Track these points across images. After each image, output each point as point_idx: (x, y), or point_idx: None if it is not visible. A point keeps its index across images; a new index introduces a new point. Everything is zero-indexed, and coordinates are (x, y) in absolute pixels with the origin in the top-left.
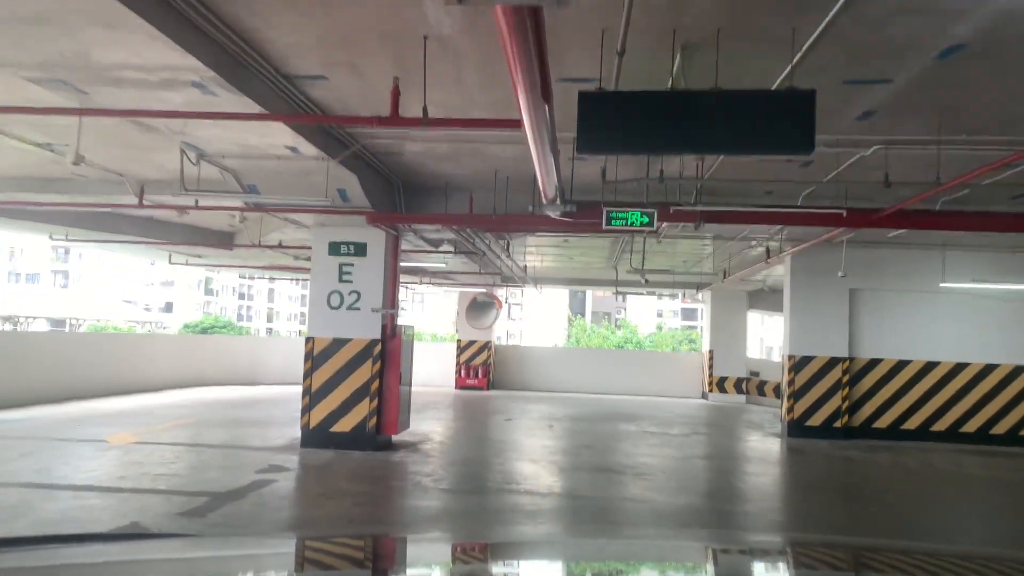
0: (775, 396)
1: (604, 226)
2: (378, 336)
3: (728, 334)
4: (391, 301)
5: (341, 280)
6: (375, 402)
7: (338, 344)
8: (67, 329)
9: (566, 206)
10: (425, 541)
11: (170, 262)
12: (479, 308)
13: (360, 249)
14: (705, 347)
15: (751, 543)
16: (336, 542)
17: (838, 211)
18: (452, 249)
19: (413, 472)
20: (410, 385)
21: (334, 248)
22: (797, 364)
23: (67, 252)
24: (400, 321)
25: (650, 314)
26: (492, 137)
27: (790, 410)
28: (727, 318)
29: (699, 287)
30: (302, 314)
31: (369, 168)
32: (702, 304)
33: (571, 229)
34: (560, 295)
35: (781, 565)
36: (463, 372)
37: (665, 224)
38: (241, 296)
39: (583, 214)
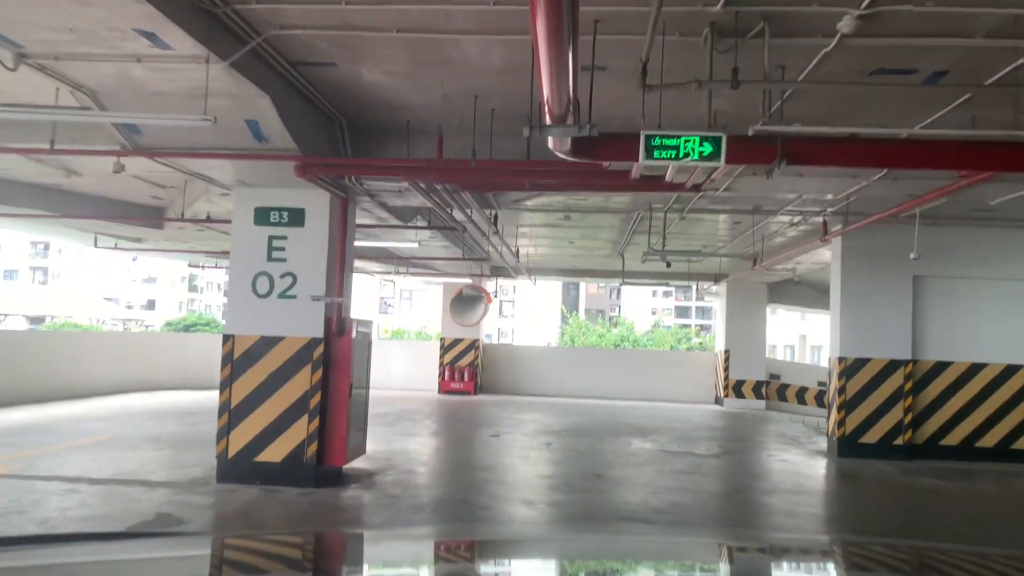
0: (797, 401)
1: (641, 160)
2: (320, 334)
3: (746, 332)
4: (338, 287)
5: (271, 258)
6: (316, 422)
7: (267, 344)
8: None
9: (582, 128)
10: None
11: (96, 245)
12: (465, 302)
13: (296, 217)
14: (719, 346)
15: None
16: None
17: None
18: (425, 223)
19: (357, 525)
20: (367, 395)
21: (261, 215)
22: (849, 368)
23: (46, 248)
24: (358, 315)
25: (644, 312)
26: (470, 15)
27: (840, 424)
28: (745, 314)
29: (717, 278)
30: None
31: (295, 94)
32: (714, 299)
33: (583, 185)
34: (553, 291)
35: None
36: (447, 374)
37: (719, 172)
38: (226, 293)
39: (608, 146)
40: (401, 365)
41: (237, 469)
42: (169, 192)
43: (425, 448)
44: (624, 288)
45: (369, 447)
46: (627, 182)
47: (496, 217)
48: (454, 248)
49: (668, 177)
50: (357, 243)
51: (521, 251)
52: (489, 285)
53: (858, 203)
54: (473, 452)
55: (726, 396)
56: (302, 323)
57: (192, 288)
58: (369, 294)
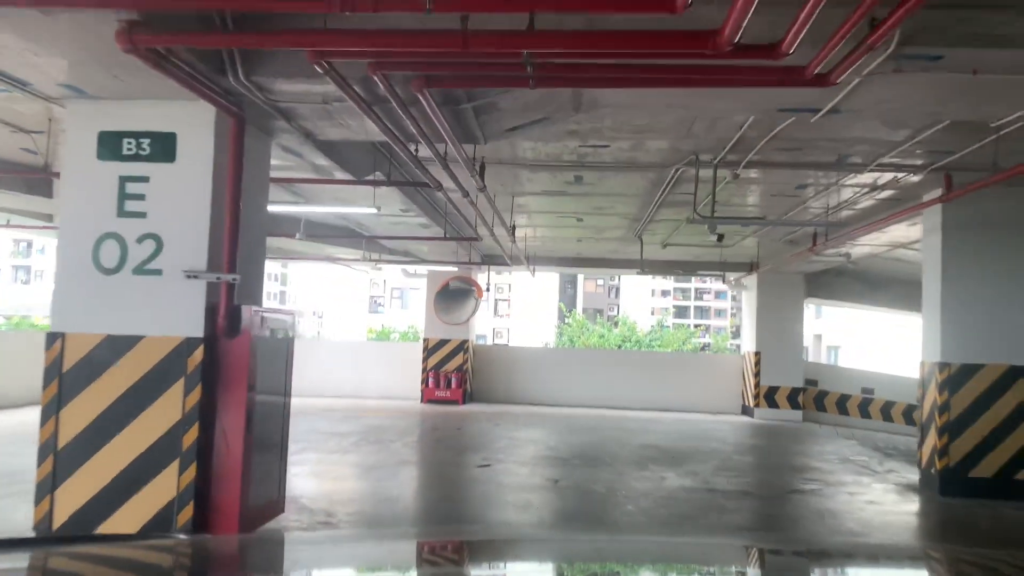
0: (838, 411)
1: None
2: (199, 331)
3: (780, 330)
4: (228, 257)
5: (123, 212)
6: (191, 470)
7: (115, 348)
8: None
9: None
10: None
11: None
12: (452, 297)
13: (163, 146)
14: (748, 347)
15: None
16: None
17: None
18: (384, 177)
19: None
20: (283, 421)
21: (109, 144)
22: (954, 378)
23: (29, 246)
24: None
25: (644, 311)
26: None
27: (942, 452)
28: (779, 309)
29: (752, 266)
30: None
31: None
32: (741, 292)
33: (692, 80)
34: (550, 288)
35: None
36: (431, 381)
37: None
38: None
39: None
40: (378, 371)
41: (67, 546)
42: (42, 140)
43: (381, 492)
44: (623, 287)
45: (308, 488)
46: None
47: (482, 167)
48: (435, 227)
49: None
50: (286, 208)
51: (518, 234)
52: (480, 278)
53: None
54: (453, 496)
55: (756, 405)
56: (170, 315)
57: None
58: (357, 292)
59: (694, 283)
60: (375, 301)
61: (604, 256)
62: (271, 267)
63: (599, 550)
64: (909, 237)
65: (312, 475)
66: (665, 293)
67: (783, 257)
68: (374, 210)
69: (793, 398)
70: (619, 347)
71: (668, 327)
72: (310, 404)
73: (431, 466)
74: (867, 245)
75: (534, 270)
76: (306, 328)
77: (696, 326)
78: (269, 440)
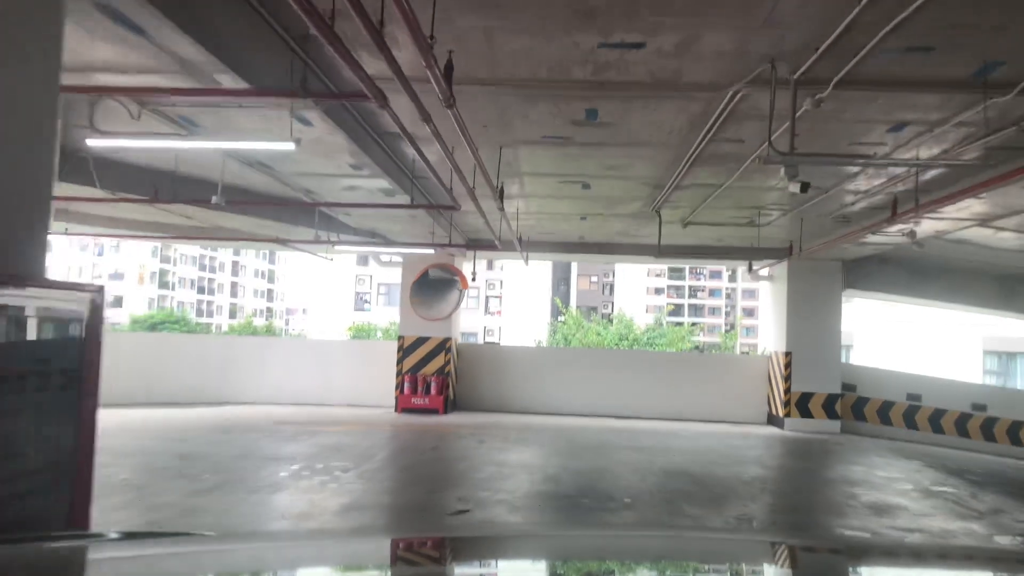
0: (880, 421)
1: None
2: None
3: (815, 327)
4: None
5: None
6: None
7: None
8: None
9: None
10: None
11: None
12: (431, 288)
13: None
14: (775, 347)
15: None
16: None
17: None
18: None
19: None
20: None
21: None
22: None
23: None
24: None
25: (639, 308)
26: None
27: None
28: (814, 302)
29: (791, 249)
30: (268, 310)
31: None
32: (765, 284)
33: None
34: (542, 283)
35: None
36: (407, 386)
37: None
38: (200, 290)
39: None
40: (346, 374)
41: None
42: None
43: None
44: (618, 284)
45: None
46: None
47: (449, 67)
48: (401, 194)
49: None
50: (156, 143)
51: (508, 208)
52: (465, 266)
53: None
54: None
55: (787, 415)
56: None
57: (163, 285)
58: (343, 290)
59: (688, 281)
60: (361, 298)
61: (611, 240)
62: (258, 264)
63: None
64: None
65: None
66: (659, 291)
67: (829, 240)
68: (290, 145)
69: (830, 406)
70: (617, 346)
71: (666, 325)
72: (261, 415)
73: (388, 513)
74: (946, 218)
75: (527, 256)
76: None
77: (692, 324)
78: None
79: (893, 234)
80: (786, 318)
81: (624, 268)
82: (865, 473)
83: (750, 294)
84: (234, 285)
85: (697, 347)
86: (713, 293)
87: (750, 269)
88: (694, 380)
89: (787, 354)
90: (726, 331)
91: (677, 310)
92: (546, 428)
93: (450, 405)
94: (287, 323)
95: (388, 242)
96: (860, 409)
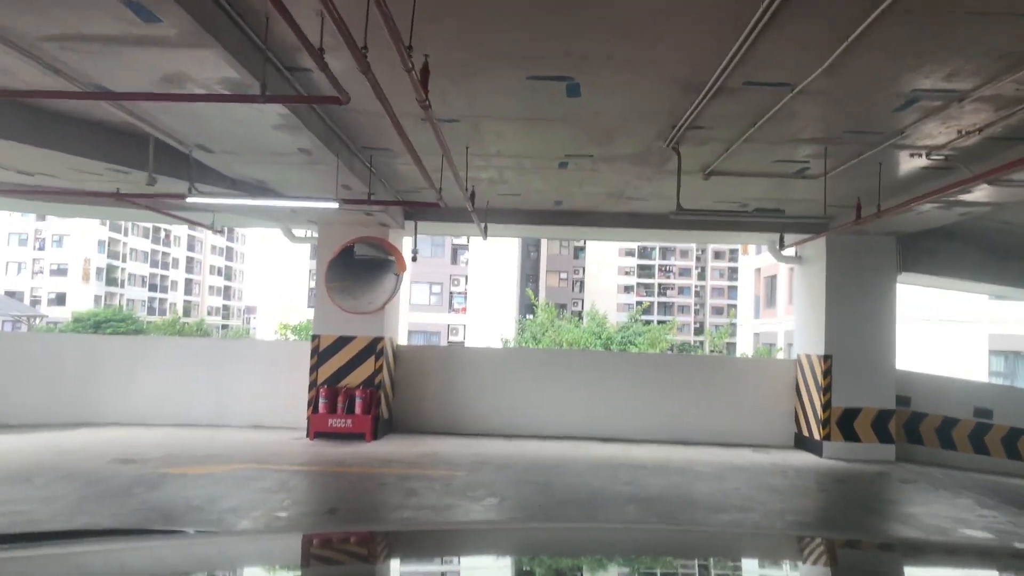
0: (940, 444)
1: None
2: None
3: (862, 323)
4: None
5: None
6: None
7: None
8: None
9: None
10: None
11: None
12: (357, 270)
13: None
14: (805, 348)
15: None
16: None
17: None
18: None
19: None
20: None
21: None
22: None
23: None
24: None
25: (610, 305)
26: None
27: None
28: (860, 290)
29: (862, 208)
30: (224, 307)
31: None
32: (794, 266)
33: None
34: (508, 278)
35: None
36: (322, 403)
37: None
38: (152, 287)
39: None
40: (250, 385)
41: None
42: None
43: None
44: (587, 280)
45: None
46: None
47: None
48: (304, 130)
49: None
50: None
51: (451, 135)
52: (404, 242)
53: None
54: None
55: (825, 437)
56: None
57: (111, 282)
58: (299, 286)
59: (657, 279)
60: (315, 293)
61: (596, 207)
62: (215, 260)
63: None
64: None
65: None
66: (629, 289)
67: (916, 196)
68: None
69: (881, 426)
70: (590, 346)
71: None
72: (113, 444)
73: None
74: None
75: (486, 228)
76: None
77: (660, 323)
78: None
79: (972, 204)
80: (824, 310)
81: (595, 263)
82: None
83: (719, 292)
84: (189, 282)
85: (682, 348)
86: (683, 291)
87: (781, 245)
88: (702, 391)
89: (825, 358)
90: (696, 330)
91: (648, 308)
92: (510, 462)
93: (383, 427)
94: (247, 322)
95: (275, 194)
96: (915, 428)
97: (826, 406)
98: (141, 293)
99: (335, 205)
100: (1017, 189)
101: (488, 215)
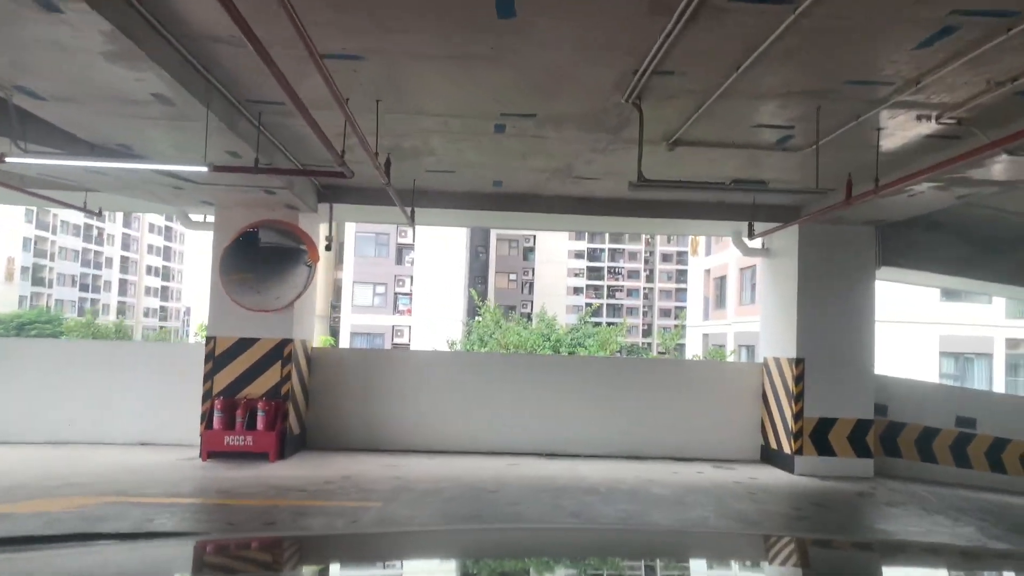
0: (920, 457)
1: None
2: None
3: (838, 323)
4: None
5: None
6: None
7: None
8: None
9: None
10: None
11: None
12: (260, 260)
13: None
14: (774, 351)
15: None
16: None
17: None
18: None
19: None
20: None
21: None
22: None
23: None
24: None
25: (559, 307)
26: None
27: None
28: (835, 286)
29: (852, 185)
30: (162, 308)
31: None
32: (762, 259)
33: None
34: (455, 279)
35: None
36: (218, 417)
37: None
38: (84, 288)
39: None
40: (136, 395)
41: None
42: None
43: None
44: (537, 280)
45: None
46: None
47: None
48: (151, 68)
49: None
50: None
51: (357, 90)
52: (317, 229)
53: None
54: None
55: (797, 451)
56: None
57: (37, 281)
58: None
59: (606, 281)
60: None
61: (542, 189)
62: (151, 260)
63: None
64: None
65: None
66: (578, 291)
67: (923, 168)
68: None
69: (859, 438)
70: (537, 349)
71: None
72: None
73: None
74: None
75: (413, 212)
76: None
77: (610, 324)
78: None
79: (980, 182)
80: (796, 309)
81: (544, 264)
82: None
83: (667, 294)
84: (124, 283)
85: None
86: (632, 294)
87: (751, 233)
88: (658, 398)
89: (797, 362)
90: (644, 332)
91: (596, 310)
92: (437, 487)
93: (291, 445)
94: (186, 323)
95: (140, 159)
96: (893, 440)
97: (798, 416)
98: (72, 293)
99: (204, 170)
100: None
101: (417, 198)
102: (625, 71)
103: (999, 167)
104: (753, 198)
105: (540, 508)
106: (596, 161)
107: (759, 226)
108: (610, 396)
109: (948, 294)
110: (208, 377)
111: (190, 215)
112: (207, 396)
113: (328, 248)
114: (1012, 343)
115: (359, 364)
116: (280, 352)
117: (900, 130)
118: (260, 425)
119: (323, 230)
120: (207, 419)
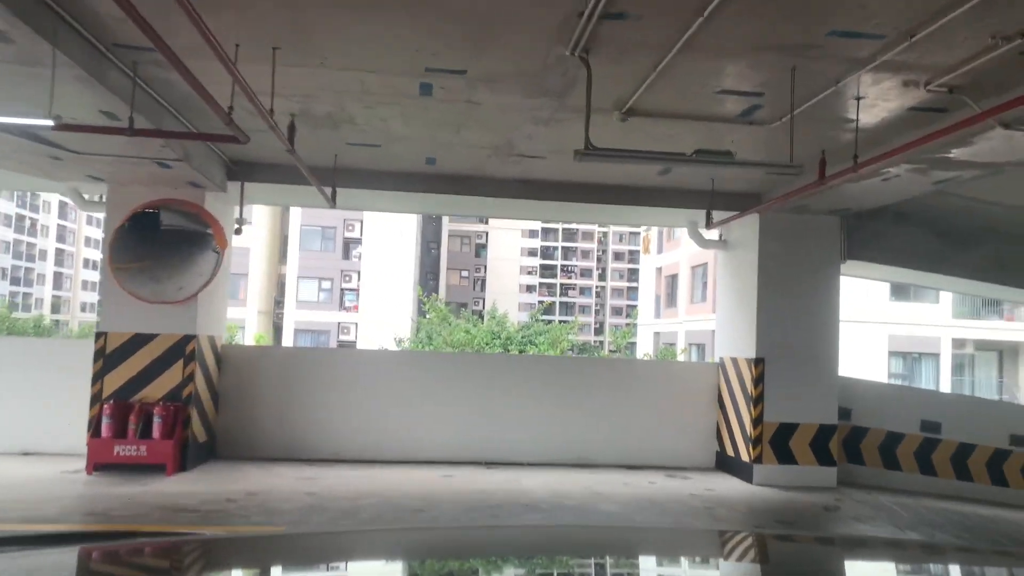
0: (883, 464)
1: None
2: None
3: (800, 320)
4: None
5: None
6: None
7: None
8: None
9: None
10: None
11: None
12: (160, 245)
13: None
14: (732, 351)
15: None
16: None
17: None
18: None
19: None
20: None
21: None
22: None
23: None
24: None
25: (511, 305)
26: None
27: None
28: (797, 279)
29: (824, 165)
30: (100, 303)
31: None
32: (719, 251)
33: None
34: (405, 275)
35: None
36: (107, 423)
37: None
38: (15, 281)
39: None
40: (22, 399)
41: None
42: None
43: None
44: (489, 278)
45: None
46: None
47: None
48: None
49: None
50: None
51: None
52: (228, 211)
53: None
54: None
55: (756, 459)
56: None
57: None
58: None
59: (559, 279)
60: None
61: (481, 168)
62: (88, 253)
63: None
64: None
65: None
66: (531, 288)
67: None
68: None
69: (822, 444)
70: (486, 348)
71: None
72: None
73: None
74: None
75: (334, 191)
76: None
77: (562, 322)
78: None
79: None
80: (756, 305)
81: (497, 261)
82: None
83: (619, 292)
84: (59, 276)
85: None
86: (585, 292)
87: (708, 222)
88: (608, 400)
89: (757, 362)
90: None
91: (548, 308)
92: (356, 506)
93: (196, 454)
94: None
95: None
96: (856, 446)
97: (757, 421)
98: (1, 287)
99: (48, 124)
100: None
101: (340, 177)
102: (569, 13)
103: (987, 145)
104: (712, 183)
105: (477, 532)
106: (539, 135)
107: (718, 215)
108: (557, 399)
109: (897, 293)
110: (97, 378)
111: (83, 194)
112: (95, 400)
113: (238, 232)
114: (958, 343)
115: (278, 363)
116: (182, 350)
117: (882, 100)
118: (156, 433)
119: (236, 213)
120: (94, 426)
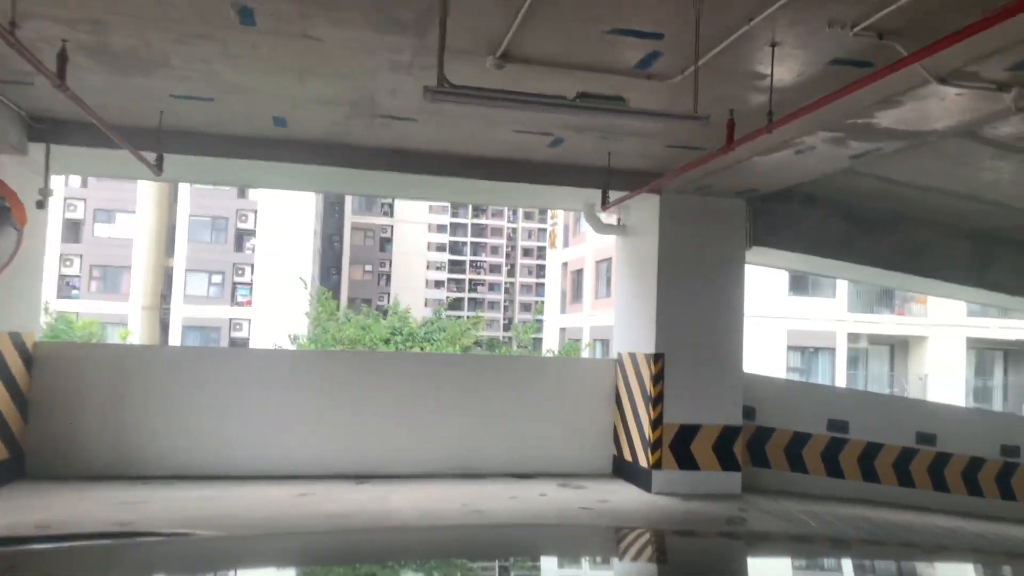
0: (790, 467)
1: None
2: None
3: (703, 312)
4: None
5: None
6: None
7: None
8: None
9: None
10: None
11: None
12: None
13: None
14: (630, 345)
15: None
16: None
17: None
18: None
19: None
20: None
21: None
22: None
23: None
24: None
25: (417, 301)
26: None
27: None
28: (700, 268)
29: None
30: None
31: None
32: (617, 236)
33: None
34: (303, 268)
35: None
36: None
37: None
38: None
39: None
40: None
41: None
42: None
43: None
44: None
45: None
46: None
47: None
48: None
49: None
50: None
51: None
52: (26, 179)
53: None
54: None
55: (656, 464)
56: None
57: None
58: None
59: (468, 275)
60: (67, 282)
61: (350, 133)
62: None
63: None
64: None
65: None
66: (440, 284)
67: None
68: None
69: (726, 448)
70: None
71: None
72: None
73: None
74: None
75: (161, 158)
76: None
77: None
78: None
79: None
80: (656, 295)
81: (402, 255)
82: None
83: (528, 288)
84: None
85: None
86: (493, 288)
87: (604, 203)
88: (498, 401)
89: (656, 358)
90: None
91: (457, 303)
92: (187, 533)
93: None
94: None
95: None
96: (760, 448)
97: (656, 422)
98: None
99: None
100: (980, 93)
101: (168, 140)
102: None
103: (917, 106)
104: (608, 158)
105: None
106: (404, 89)
107: (615, 195)
108: (440, 400)
109: (796, 287)
110: None
111: None
112: None
113: (42, 205)
114: (853, 337)
115: (108, 364)
116: None
117: (800, 48)
118: None
119: (32, 184)
120: None
